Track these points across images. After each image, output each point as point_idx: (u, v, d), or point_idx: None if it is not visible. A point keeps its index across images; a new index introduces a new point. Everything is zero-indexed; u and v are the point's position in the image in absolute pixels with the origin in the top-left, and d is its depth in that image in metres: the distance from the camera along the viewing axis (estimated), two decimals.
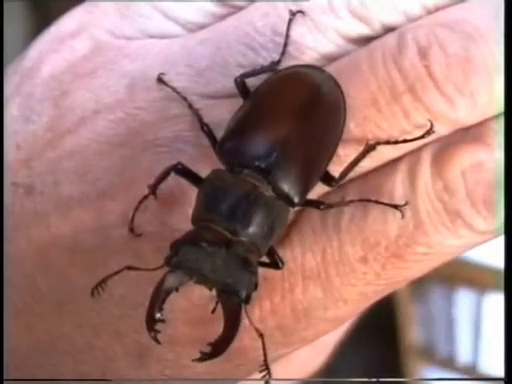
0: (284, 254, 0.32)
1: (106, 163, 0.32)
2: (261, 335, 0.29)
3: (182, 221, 0.30)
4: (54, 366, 0.33)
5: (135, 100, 0.33)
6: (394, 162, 0.32)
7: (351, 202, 0.31)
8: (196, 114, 0.32)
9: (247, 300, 0.29)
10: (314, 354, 0.44)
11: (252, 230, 0.29)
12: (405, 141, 0.30)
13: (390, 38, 0.31)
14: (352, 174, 0.32)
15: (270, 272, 0.31)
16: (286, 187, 0.30)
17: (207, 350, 0.29)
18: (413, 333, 1.04)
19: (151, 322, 0.29)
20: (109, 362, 0.33)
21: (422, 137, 0.30)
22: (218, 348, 0.29)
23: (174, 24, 0.35)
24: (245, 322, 0.30)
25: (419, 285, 1.02)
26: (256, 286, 0.29)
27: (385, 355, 1.07)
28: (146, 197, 0.31)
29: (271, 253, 0.31)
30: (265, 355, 0.29)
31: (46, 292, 0.32)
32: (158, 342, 0.29)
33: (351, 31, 0.32)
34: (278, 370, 0.32)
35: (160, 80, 0.33)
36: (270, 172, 0.30)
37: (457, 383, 0.31)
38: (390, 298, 1.06)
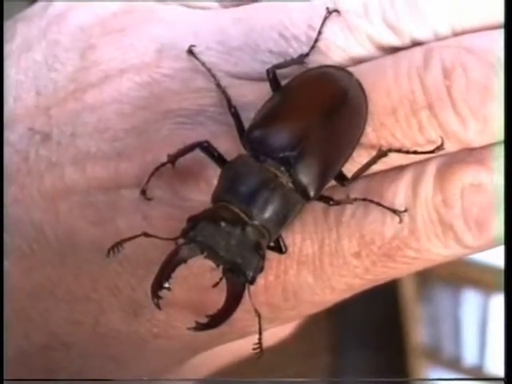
0: (284, 237, 0.33)
1: (126, 124, 0.33)
2: (258, 315, 0.30)
3: (194, 193, 0.31)
4: (48, 310, 0.34)
5: (162, 66, 0.33)
6: (401, 168, 0.33)
7: (355, 200, 0.32)
8: (224, 94, 0.32)
9: (252, 281, 0.30)
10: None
11: (267, 216, 0.30)
12: (415, 152, 0.32)
13: (417, 53, 0.33)
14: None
15: (269, 253, 0.32)
16: (306, 181, 0.31)
17: (203, 320, 0.30)
18: (419, 333, 1.04)
19: (157, 289, 0.30)
20: (102, 314, 0.33)
21: (432, 151, 0.31)
22: (214, 321, 0.30)
23: None
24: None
25: (425, 286, 1.02)
26: (262, 269, 0.30)
27: (391, 355, 1.07)
28: (163, 164, 0.32)
29: (277, 238, 0.32)
30: (260, 334, 0.30)
31: (52, 241, 0.33)
32: (159, 307, 0.30)
33: (381, 38, 0.33)
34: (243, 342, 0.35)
35: (190, 52, 0.33)
36: (293, 165, 0.31)
37: (458, 383, 0.32)
38: (397, 298, 1.05)
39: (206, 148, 0.32)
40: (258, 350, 0.30)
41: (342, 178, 0.32)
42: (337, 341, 1.12)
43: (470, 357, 1.00)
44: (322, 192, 0.33)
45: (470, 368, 0.99)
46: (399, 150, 0.32)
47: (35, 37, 0.35)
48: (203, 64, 0.33)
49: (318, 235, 0.33)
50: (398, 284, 1.03)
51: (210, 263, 0.30)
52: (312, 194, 0.31)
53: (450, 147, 0.32)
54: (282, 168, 0.31)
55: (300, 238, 0.33)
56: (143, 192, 0.32)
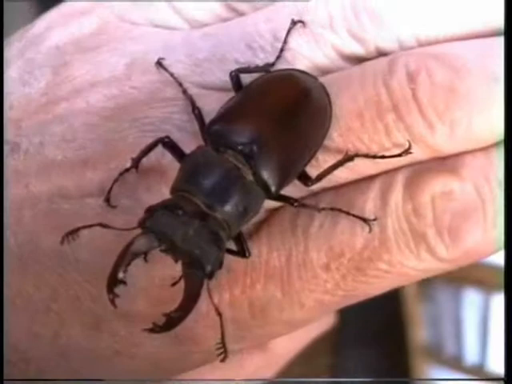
0: (251, 248, 0.32)
1: (92, 134, 0.33)
2: (219, 314, 0.30)
3: (157, 199, 0.31)
4: (10, 322, 0.33)
5: (131, 79, 0.34)
6: (369, 178, 0.33)
7: (323, 209, 0.32)
8: (189, 99, 0.33)
9: (211, 275, 0.29)
10: (266, 365, 0.44)
11: (227, 207, 0.30)
12: (383, 157, 0.31)
13: (383, 61, 0.33)
14: (327, 184, 0.33)
15: (234, 264, 0.32)
16: (266, 175, 0.31)
17: (161, 322, 0.29)
18: (420, 333, 1.04)
19: (113, 281, 0.29)
20: (62, 326, 0.33)
21: (399, 155, 0.31)
22: (172, 320, 0.29)
23: (179, 18, 0.36)
24: (201, 309, 0.31)
25: (427, 285, 1.02)
26: (221, 265, 0.30)
27: (392, 355, 1.07)
28: (127, 170, 0.32)
29: (240, 241, 0.32)
30: (222, 334, 0.29)
31: (14, 248, 0.32)
32: (114, 305, 0.29)
33: (346, 48, 0.33)
34: (228, 372, 0.34)
35: (159, 64, 0.34)
36: (253, 157, 0.31)
37: (458, 383, 0.32)
38: (398, 297, 1.05)
39: (168, 143, 0.32)
40: (222, 351, 0.29)
41: (305, 178, 0.32)
42: (338, 340, 1.12)
43: (471, 356, 1.00)
44: (285, 193, 0.32)
45: (471, 367, 0.99)
46: (366, 155, 0.31)
47: (14, 56, 0.36)
48: (170, 74, 0.34)
49: (286, 247, 0.33)
50: None
51: (172, 275, 0.30)
52: (273, 188, 0.31)
53: (419, 154, 0.32)
54: (243, 160, 0.31)
55: (266, 250, 0.33)
56: (107, 200, 0.32)
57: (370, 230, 0.32)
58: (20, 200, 0.33)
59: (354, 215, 0.32)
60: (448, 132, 0.31)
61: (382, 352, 1.09)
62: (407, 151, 0.31)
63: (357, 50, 0.34)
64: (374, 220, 0.32)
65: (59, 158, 0.33)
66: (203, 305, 0.30)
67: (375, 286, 0.33)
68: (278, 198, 0.32)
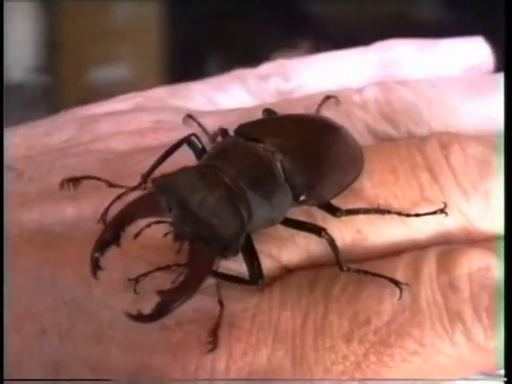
0: (260, 303, 0.29)
1: (104, 166, 0.33)
2: (221, 305, 0.27)
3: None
4: None
5: (157, 132, 0.35)
6: (398, 248, 0.31)
7: (349, 269, 0.29)
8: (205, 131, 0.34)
9: (226, 251, 0.26)
10: None
11: (254, 190, 0.27)
12: (417, 215, 0.30)
13: (414, 138, 0.33)
14: (358, 250, 0.30)
15: (238, 319, 0.28)
16: (295, 173, 0.29)
17: (147, 310, 0.25)
18: None
19: (102, 241, 0.26)
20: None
21: (434, 212, 0.30)
22: (165, 304, 0.25)
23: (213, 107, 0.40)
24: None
25: None
26: (237, 249, 0.26)
27: None
28: (135, 188, 0.30)
29: (252, 261, 0.28)
30: (218, 324, 0.27)
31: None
32: (96, 276, 0.26)
33: (378, 127, 0.34)
34: None
35: (189, 116, 0.35)
36: (285, 154, 0.29)
37: (457, 382, 0.29)
38: None
39: (193, 142, 0.31)
40: (212, 347, 0.27)
41: (333, 208, 0.30)
42: None
43: None
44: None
45: None
46: (399, 213, 0.30)
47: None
48: (199, 124, 0.34)
49: (302, 306, 0.29)
50: None
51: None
52: (299, 189, 0.29)
53: (452, 221, 0.30)
54: (274, 154, 0.30)
55: (278, 306, 0.29)
56: (103, 221, 0.29)
57: (401, 296, 0.28)
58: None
59: (383, 276, 0.29)
60: (483, 202, 0.30)
61: None
62: (442, 211, 0.30)
63: (388, 130, 0.34)
64: (406, 284, 0.28)
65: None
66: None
67: (398, 371, 0.28)
68: (303, 203, 0.30)
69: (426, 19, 1.79)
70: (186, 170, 0.27)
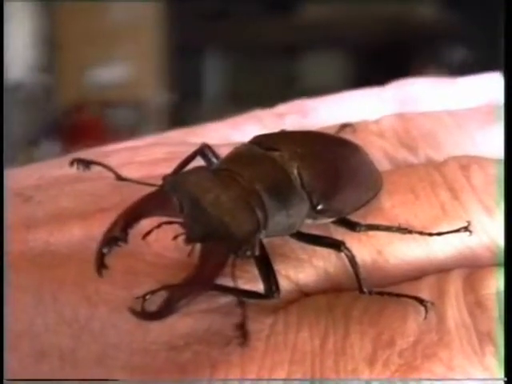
0: (275, 323, 0.27)
1: (114, 191, 0.32)
2: (241, 302, 0.25)
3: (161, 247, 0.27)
4: None
5: (170, 162, 0.33)
6: (421, 271, 0.29)
7: (370, 292, 0.27)
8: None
9: (239, 248, 0.24)
10: None
11: (269, 192, 0.26)
12: (439, 234, 0.28)
13: (433, 162, 0.32)
14: (378, 272, 0.29)
15: (252, 339, 0.26)
16: (312, 181, 0.28)
17: (153, 307, 0.24)
18: None
19: (108, 237, 0.25)
20: None
21: (457, 230, 0.28)
22: (171, 303, 0.23)
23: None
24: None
25: None
26: (253, 248, 0.25)
27: None
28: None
29: (268, 274, 0.27)
30: (244, 320, 0.25)
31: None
32: (100, 273, 0.25)
33: (397, 155, 0.33)
34: None
35: (206, 146, 0.33)
36: (302, 160, 0.28)
37: (457, 383, 0.28)
38: None
39: (206, 154, 0.30)
40: (241, 341, 0.25)
41: (352, 224, 0.28)
42: None
43: None
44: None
45: None
46: (421, 233, 0.28)
47: None
48: (214, 153, 0.32)
49: (321, 326, 0.27)
50: None
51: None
52: (315, 200, 0.28)
53: (475, 241, 0.29)
54: (292, 160, 0.28)
55: (296, 326, 0.27)
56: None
57: (426, 315, 0.26)
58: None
59: (407, 296, 0.27)
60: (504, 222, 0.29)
61: None
62: (466, 228, 0.28)
63: (407, 156, 0.33)
64: (431, 303, 0.26)
65: (71, 206, 0.31)
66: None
67: None
68: (320, 213, 0.28)
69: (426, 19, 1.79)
70: (198, 169, 0.27)
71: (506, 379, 0.27)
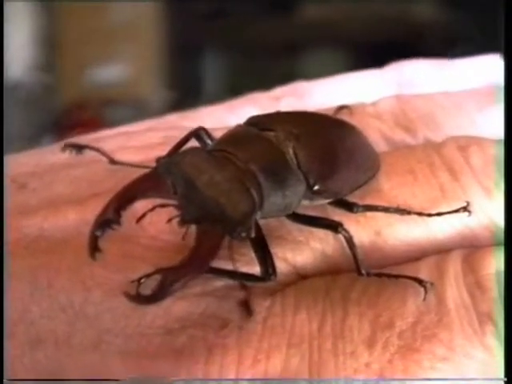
0: (272, 305, 0.27)
1: (110, 175, 0.32)
2: (244, 287, 0.25)
3: (160, 229, 0.27)
4: None
5: (165, 145, 0.33)
6: (420, 252, 0.29)
7: (368, 274, 0.27)
8: None
9: (234, 229, 0.24)
10: None
11: (265, 172, 0.26)
12: (438, 214, 0.28)
13: (432, 142, 0.32)
14: (377, 253, 0.29)
15: (249, 321, 0.26)
16: (308, 161, 0.28)
17: (148, 290, 0.23)
18: None
19: (106, 216, 0.25)
20: None
21: (457, 211, 0.28)
22: (165, 286, 0.23)
23: None
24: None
25: None
26: (250, 230, 0.24)
27: None
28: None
29: (264, 256, 0.27)
30: (248, 294, 0.25)
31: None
32: (93, 256, 0.25)
33: (395, 136, 0.33)
34: None
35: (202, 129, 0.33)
36: (297, 140, 0.28)
37: (457, 383, 0.28)
38: None
39: (201, 136, 0.30)
40: (249, 313, 0.25)
41: (349, 204, 0.28)
42: None
43: None
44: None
45: None
46: (420, 213, 0.28)
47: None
48: (209, 136, 0.32)
49: (318, 310, 0.26)
50: None
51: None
52: (312, 180, 0.28)
53: (474, 221, 0.29)
54: (288, 140, 0.28)
55: (293, 309, 0.27)
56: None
57: (426, 295, 0.26)
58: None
59: (406, 277, 0.26)
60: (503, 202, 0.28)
61: None
62: (465, 209, 0.28)
63: (405, 138, 0.33)
64: (431, 283, 0.26)
65: (66, 192, 0.31)
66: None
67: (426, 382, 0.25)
68: (317, 193, 0.28)
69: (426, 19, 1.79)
70: (193, 150, 0.26)
71: (505, 379, 0.27)
